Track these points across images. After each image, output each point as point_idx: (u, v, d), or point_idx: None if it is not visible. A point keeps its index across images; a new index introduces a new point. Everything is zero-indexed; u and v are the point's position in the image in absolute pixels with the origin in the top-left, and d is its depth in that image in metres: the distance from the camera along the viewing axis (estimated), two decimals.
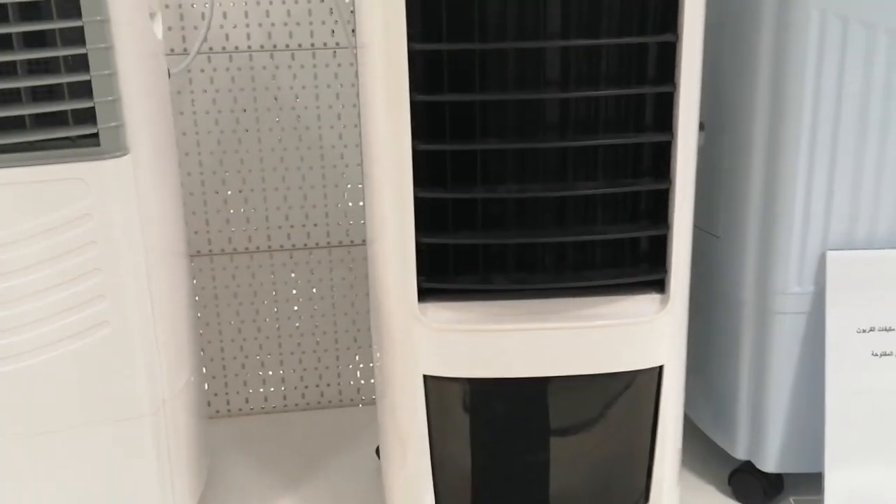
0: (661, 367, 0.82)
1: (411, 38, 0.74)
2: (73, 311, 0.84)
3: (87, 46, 0.80)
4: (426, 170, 0.78)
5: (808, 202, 0.92)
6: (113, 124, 0.82)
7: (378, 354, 0.91)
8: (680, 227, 0.80)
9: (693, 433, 1.14)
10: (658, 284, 0.82)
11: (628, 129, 0.80)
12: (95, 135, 0.82)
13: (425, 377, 0.82)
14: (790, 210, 0.92)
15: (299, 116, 1.22)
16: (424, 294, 0.81)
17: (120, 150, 0.83)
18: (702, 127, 1.06)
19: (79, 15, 0.79)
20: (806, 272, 0.94)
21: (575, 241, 0.80)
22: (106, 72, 0.81)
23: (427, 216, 0.79)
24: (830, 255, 0.92)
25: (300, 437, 1.24)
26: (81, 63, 0.81)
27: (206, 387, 1.29)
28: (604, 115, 0.79)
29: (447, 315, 0.80)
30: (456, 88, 0.77)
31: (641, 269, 0.82)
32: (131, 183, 0.84)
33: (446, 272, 0.81)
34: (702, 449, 1.12)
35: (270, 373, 1.30)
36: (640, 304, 0.81)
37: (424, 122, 0.77)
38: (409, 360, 0.82)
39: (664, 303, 0.81)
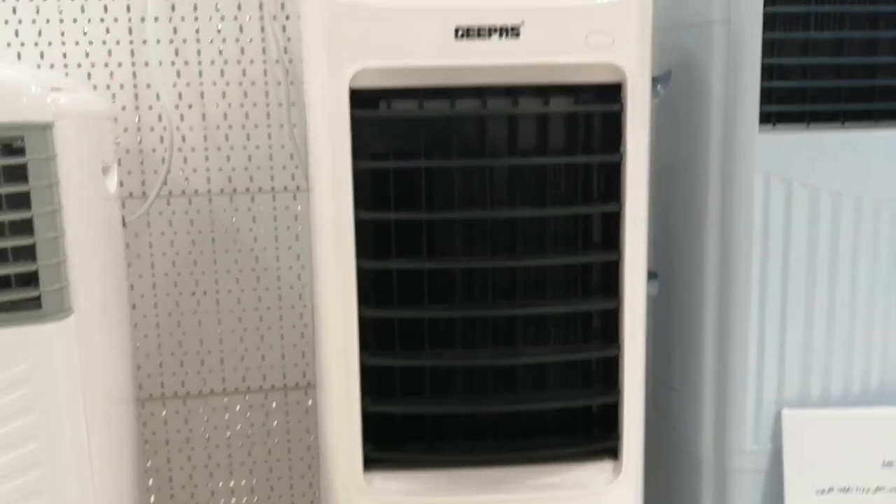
0: None
1: (359, 206, 0.75)
2: (4, 481, 0.80)
3: (34, 210, 0.80)
4: (374, 336, 0.77)
5: (762, 359, 0.92)
6: (56, 286, 0.81)
7: None
8: (631, 392, 0.79)
9: None
10: (612, 451, 0.80)
11: (576, 295, 0.80)
12: (37, 298, 0.81)
13: None
14: (743, 366, 0.92)
15: (258, 258, 1.21)
16: (371, 463, 0.79)
17: (63, 311, 0.82)
18: (654, 276, 1.08)
19: (25, 179, 0.79)
20: (762, 429, 0.93)
21: (525, 410, 0.79)
22: (52, 234, 0.80)
23: (375, 384, 0.78)
24: (786, 413, 0.91)
25: None
26: (26, 227, 0.80)
27: None
28: (552, 280, 0.79)
29: (393, 486, 0.78)
30: (404, 254, 0.78)
31: (594, 435, 0.80)
32: (73, 344, 0.82)
33: (394, 440, 0.79)
34: None
35: None
36: (593, 473, 0.79)
37: (372, 289, 0.77)
38: None
39: (617, 471, 0.80)
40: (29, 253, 0.80)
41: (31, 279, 0.81)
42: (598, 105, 0.78)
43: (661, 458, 1.06)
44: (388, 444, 0.79)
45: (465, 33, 0.74)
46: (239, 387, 1.23)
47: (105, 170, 0.93)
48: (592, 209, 0.78)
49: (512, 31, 0.74)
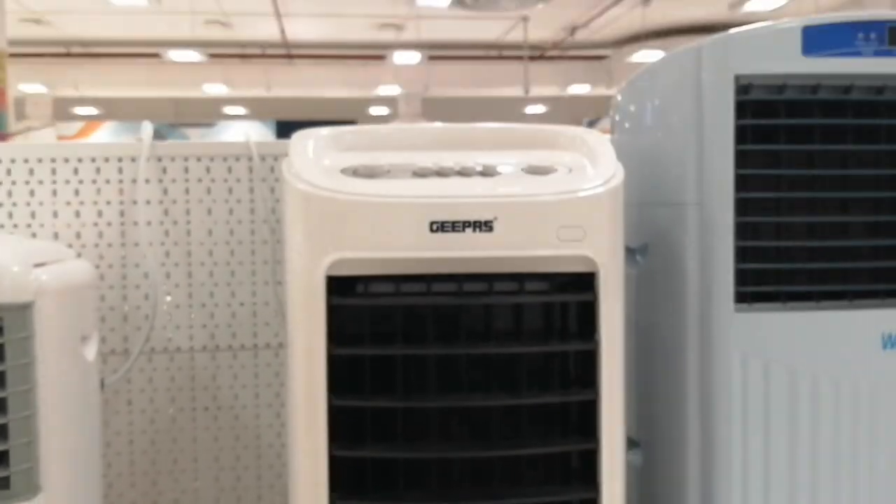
0: None
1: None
2: None
3: (8, 390, 0.80)
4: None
5: None
6: (25, 466, 0.80)
7: None
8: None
9: None
10: None
11: (555, 482, 0.79)
12: (6, 478, 0.80)
13: None
14: None
15: (237, 416, 1.20)
16: None
17: (31, 491, 0.81)
18: (637, 444, 1.07)
19: (2, 359, 0.80)
20: None
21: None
22: (24, 413, 0.80)
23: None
24: None
25: None
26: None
27: None
28: (529, 470, 0.79)
29: None
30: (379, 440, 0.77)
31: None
32: None
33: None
34: None
35: None
36: None
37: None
38: None
39: None
40: (1, 432, 0.80)
41: (1, 458, 0.80)
42: (571, 295, 0.79)
43: None
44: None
45: (439, 227, 0.76)
46: None
47: (84, 339, 0.93)
48: (569, 397, 0.78)
49: (485, 226, 0.76)
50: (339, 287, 0.78)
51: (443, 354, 0.79)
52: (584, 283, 0.80)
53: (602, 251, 0.79)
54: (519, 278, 0.80)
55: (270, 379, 1.21)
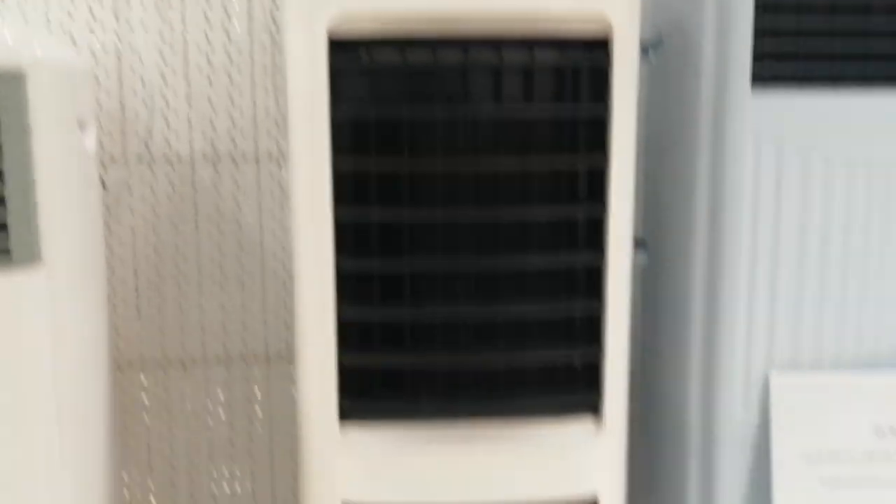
0: (595, 498, 0.78)
1: (337, 152, 0.73)
2: None
3: (5, 158, 0.77)
4: (353, 288, 0.75)
5: (751, 324, 0.90)
6: (26, 233, 0.79)
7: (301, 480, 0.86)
8: (614, 349, 0.77)
9: None
10: (593, 408, 0.78)
11: (561, 248, 0.78)
12: (7, 245, 0.78)
13: (344, 502, 0.77)
14: (732, 331, 0.90)
15: (241, 226, 1.19)
16: (347, 415, 0.77)
17: (32, 259, 0.80)
18: (645, 246, 1.06)
19: None
20: (751, 395, 0.91)
21: (506, 364, 0.77)
22: (23, 181, 0.78)
23: (352, 335, 0.76)
24: (774, 377, 0.89)
25: None
26: None
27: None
28: (536, 234, 0.77)
29: (370, 439, 0.76)
30: (384, 203, 0.76)
31: (575, 391, 0.78)
32: (44, 293, 0.80)
33: (371, 393, 0.77)
34: None
35: (202, 492, 1.23)
36: (574, 429, 0.77)
37: (351, 240, 0.75)
38: (328, 484, 0.77)
39: (599, 428, 0.78)
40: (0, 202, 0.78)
41: (1, 227, 0.79)
42: (584, 57, 0.76)
43: (648, 428, 1.04)
44: (365, 398, 0.77)
45: None
46: (220, 355, 1.21)
47: (81, 124, 0.91)
48: (578, 159, 0.76)
49: None
50: (341, 50, 0.75)
51: (450, 120, 0.76)
52: (598, 49, 0.77)
53: (618, 10, 0.75)
54: (529, 46, 0.77)
55: (273, 189, 1.19)
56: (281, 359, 1.22)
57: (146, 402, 1.20)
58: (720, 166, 0.90)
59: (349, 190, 0.75)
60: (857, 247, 0.90)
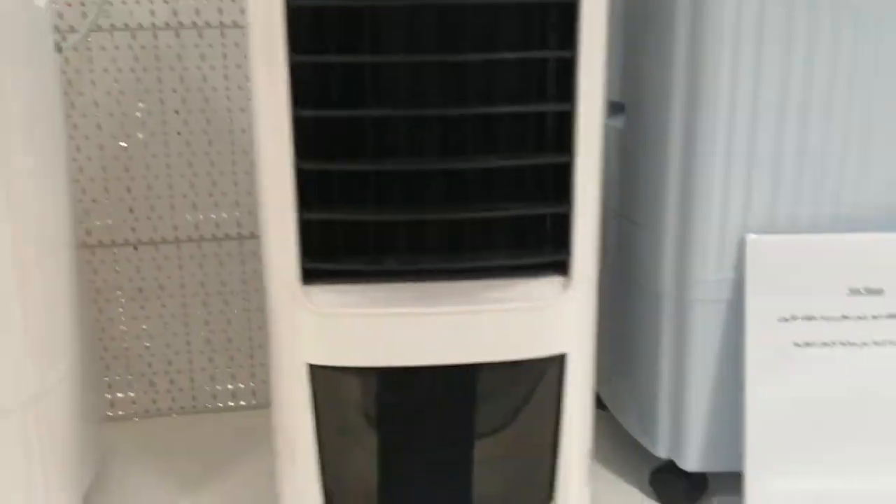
0: (563, 356, 0.77)
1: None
2: None
3: None
4: (311, 141, 0.72)
5: (728, 184, 0.87)
6: None
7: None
8: (584, 204, 0.75)
9: (618, 432, 1.09)
10: (562, 267, 0.77)
11: (530, 99, 0.74)
12: None
13: (310, 366, 0.76)
14: (708, 192, 0.87)
15: (207, 98, 1.15)
16: (310, 276, 0.75)
17: None
18: (622, 109, 1.02)
19: None
20: (726, 258, 0.89)
21: (472, 218, 0.75)
22: None
23: (313, 192, 0.73)
24: (750, 238, 0.87)
25: (204, 440, 1.16)
26: None
27: (110, 386, 1.21)
28: (504, 84, 0.74)
29: (332, 298, 0.74)
30: (342, 50, 0.72)
31: (544, 250, 0.76)
32: None
33: (334, 254, 0.75)
34: (627, 449, 1.07)
35: (178, 372, 1.23)
36: (541, 288, 0.76)
37: (311, 86, 0.71)
38: (292, 347, 0.76)
39: (567, 286, 0.76)
40: None
41: None
42: None
43: (623, 296, 1.03)
44: (328, 259, 0.74)
45: None
46: (192, 235, 1.18)
47: None
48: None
49: None
50: None
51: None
52: None
53: None
54: None
55: (240, 60, 1.15)
56: (254, 238, 1.20)
57: (118, 282, 1.18)
58: (699, 19, 0.85)
59: (307, 38, 0.71)
60: (840, 105, 0.86)
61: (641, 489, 1.03)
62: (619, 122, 1.01)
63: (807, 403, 0.88)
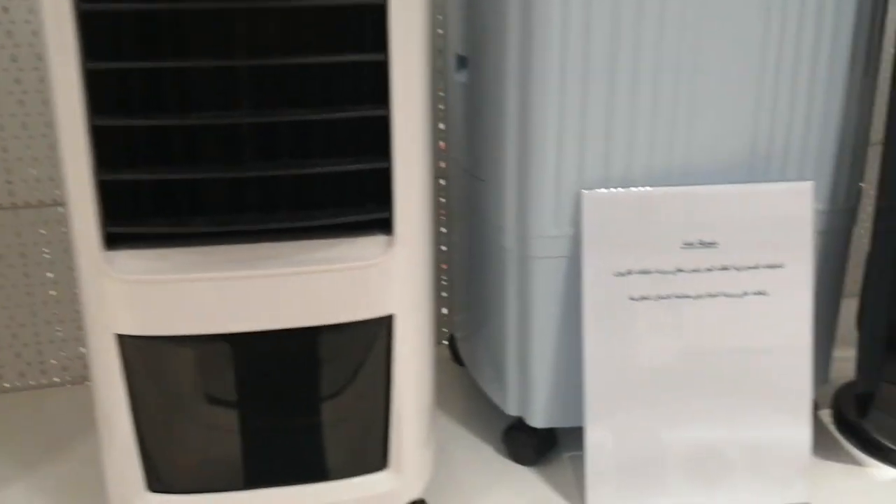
0: (390, 317, 0.74)
1: None
2: None
3: None
4: (112, 97, 0.67)
5: (562, 141, 0.86)
6: None
7: None
8: (406, 159, 0.72)
9: (474, 391, 1.08)
10: (386, 225, 0.74)
11: (346, 49, 0.70)
12: None
13: (119, 337, 0.71)
14: (543, 150, 0.86)
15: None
16: (115, 241, 0.70)
17: None
18: (465, 64, 1.00)
19: None
20: (563, 214, 0.88)
21: (288, 176, 0.71)
22: None
23: (118, 153, 0.68)
24: (585, 194, 0.86)
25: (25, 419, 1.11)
26: None
27: None
28: (318, 32, 0.70)
29: (138, 264, 0.70)
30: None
31: (366, 208, 0.73)
32: None
33: (139, 216, 0.70)
34: (483, 407, 1.06)
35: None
36: (363, 247, 0.73)
37: (105, 41, 0.66)
38: (99, 318, 0.71)
39: (391, 244, 0.73)
40: None
41: None
42: None
43: (473, 253, 1.01)
44: (132, 221, 0.70)
45: None
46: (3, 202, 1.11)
47: None
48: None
49: None
50: None
51: None
52: None
53: None
54: None
55: None
56: (56, 205, 1.13)
57: None
58: None
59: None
60: (670, 59, 0.85)
61: (496, 448, 1.02)
62: (463, 76, 0.99)
63: (643, 356, 0.88)
